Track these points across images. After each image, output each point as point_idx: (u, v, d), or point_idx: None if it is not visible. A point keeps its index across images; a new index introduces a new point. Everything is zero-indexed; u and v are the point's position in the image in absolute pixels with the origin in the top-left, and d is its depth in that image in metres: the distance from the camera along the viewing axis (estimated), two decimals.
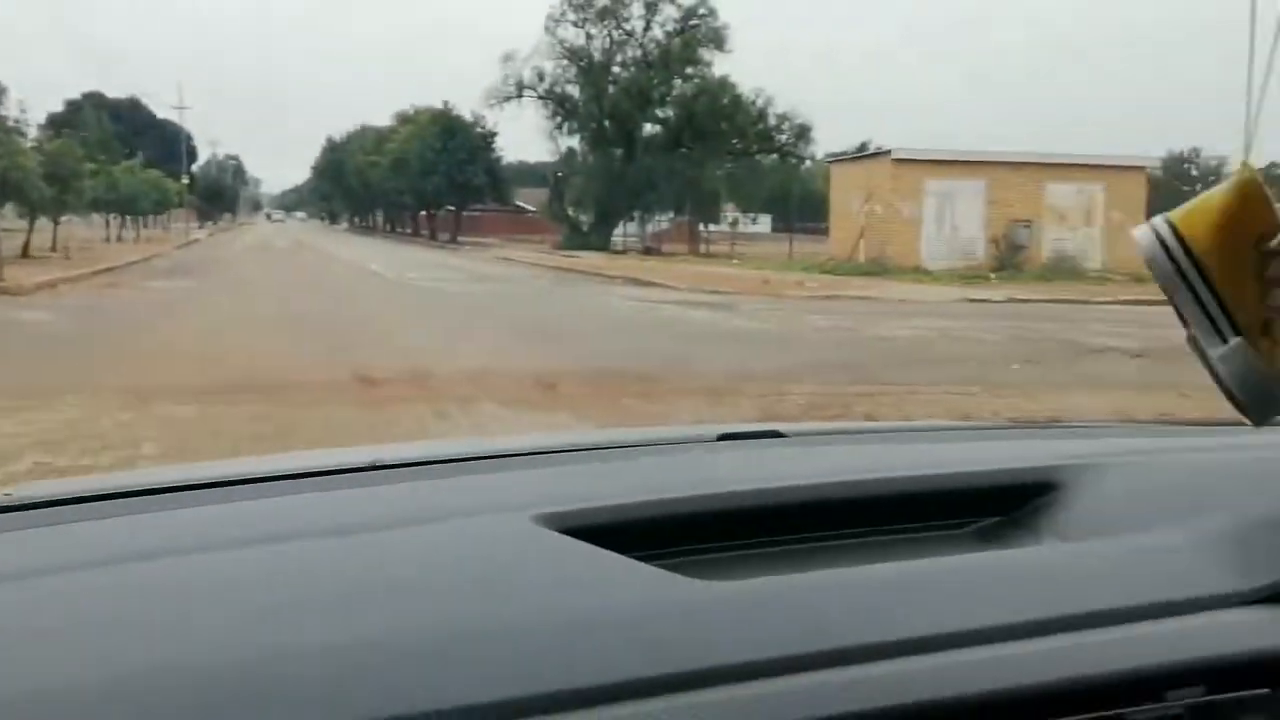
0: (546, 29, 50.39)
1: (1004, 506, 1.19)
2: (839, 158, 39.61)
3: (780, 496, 1.15)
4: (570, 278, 27.79)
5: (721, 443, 1.49)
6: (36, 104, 62.85)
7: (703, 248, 48.87)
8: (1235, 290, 0.96)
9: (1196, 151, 46.23)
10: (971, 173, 31.12)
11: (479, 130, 55.64)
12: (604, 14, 50.16)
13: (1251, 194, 0.96)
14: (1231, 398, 0.99)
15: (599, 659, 0.82)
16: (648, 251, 47.19)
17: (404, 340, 12.69)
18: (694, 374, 9.80)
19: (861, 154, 38.59)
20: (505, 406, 7.75)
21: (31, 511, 1.17)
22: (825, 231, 39.29)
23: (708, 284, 23.98)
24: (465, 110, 56.39)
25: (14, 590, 0.94)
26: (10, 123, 26.07)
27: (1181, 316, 1.00)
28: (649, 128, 50.73)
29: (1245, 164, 0.99)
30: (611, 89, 50.13)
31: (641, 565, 0.96)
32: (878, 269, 29.22)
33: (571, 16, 50.29)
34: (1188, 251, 0.96)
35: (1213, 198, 0.98)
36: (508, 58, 51.40)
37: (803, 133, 49.65)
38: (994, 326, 15.63)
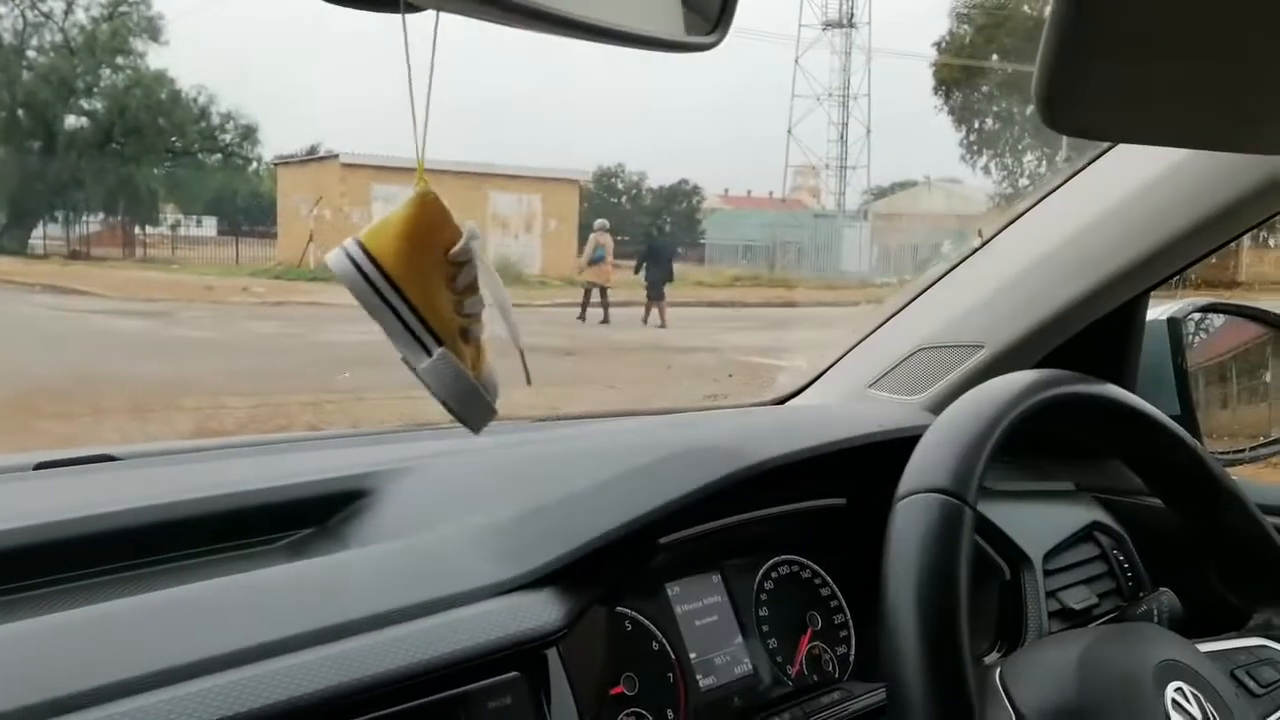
0: None
1: (318, 517, 1.20)
2: (287, 160, 38.52)
3: (78, 529, 1.06)
4: None
5: (38, 471, 1.34)
6: None
7: (140, 251, 45.27)
8: (431, 303, 0.99)
9: (622, 167, 50.61)
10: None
11: None
12: None
13: (432, 208, 1.00)
14: (449, 409, 1.03)
15: None
16: (75, 255, 42.87)
17: None
18: (122, 390, 8.87)
19: (310, 157, 37.81)
20: None
21: None
22: (274, 236, 38.02)
23: (143, 291, 22.24)
24: None
25: None
26: None
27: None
28: (74, 120, 46.12)
29: (422, 179, 1.02)
30: (26, 75, 44.96)
31: None
32: (327, 274, 28.64)
33: None
34: (381, 270, 0.99)
35: (396, 216, 1.01)
36: None
37: (248, 133, 47.71)
38: None
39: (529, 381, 1.12)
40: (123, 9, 45.80)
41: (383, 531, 1.16)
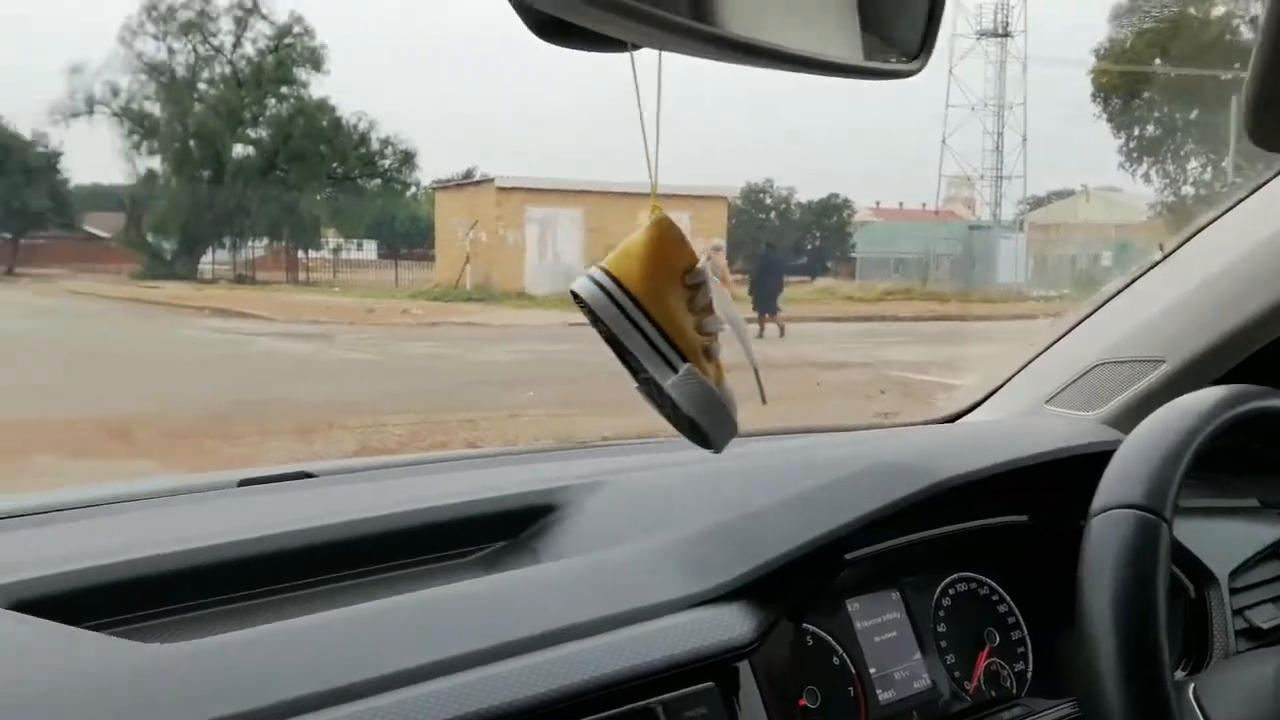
0: (122, 41, 46.70)
1: (510, 531, 1.25)
2: (444, 184, 39.59)
3: (286, 542, 1.13)
4: (149, 311, 25.66)
5: (241, 489, 1.43)
6: None
7: (303, 275, 47.13)
8: (674, 322, 1.04)
9: (770, 182, 50.37)
10: (571, 201, 32.06)
11: (40, 149, 50.56)
12: (188, 27, 47.23)
13: (669, 232, 1.06)
14: (693, 428, 1.06)
15: None
16: (241, 280, 44.88)
17: None
18: (286, 411, 9.23)
19: (466, 181, 38.79)
20: (72, 459, 6.90)
21: None
22: (431, 258, 39.10)
23: (307, 314, 22.99)
24: (24, 127, 51.17)
25: None
26: None
27: (629, 365, 1.06)
28: (241, 149, 48.37)
29: (656, 204, 1.08)
30: (198, 107, 47.42)
31: (94, 635, 0.93)
32: (483, 295, 29.38)
33: (151, 29, 46.96)
34: (627, 293, 1.04)
35: (636, 241, 1.07)
36: (75, 70, 47.12)
37: (407, 158, 49.30)
38: (592, 350, 15.97)
39: (764, 400, 1.16)
40: (287, 40, 47.94)
41: (573, 545, 1.20)
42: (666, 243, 1.05)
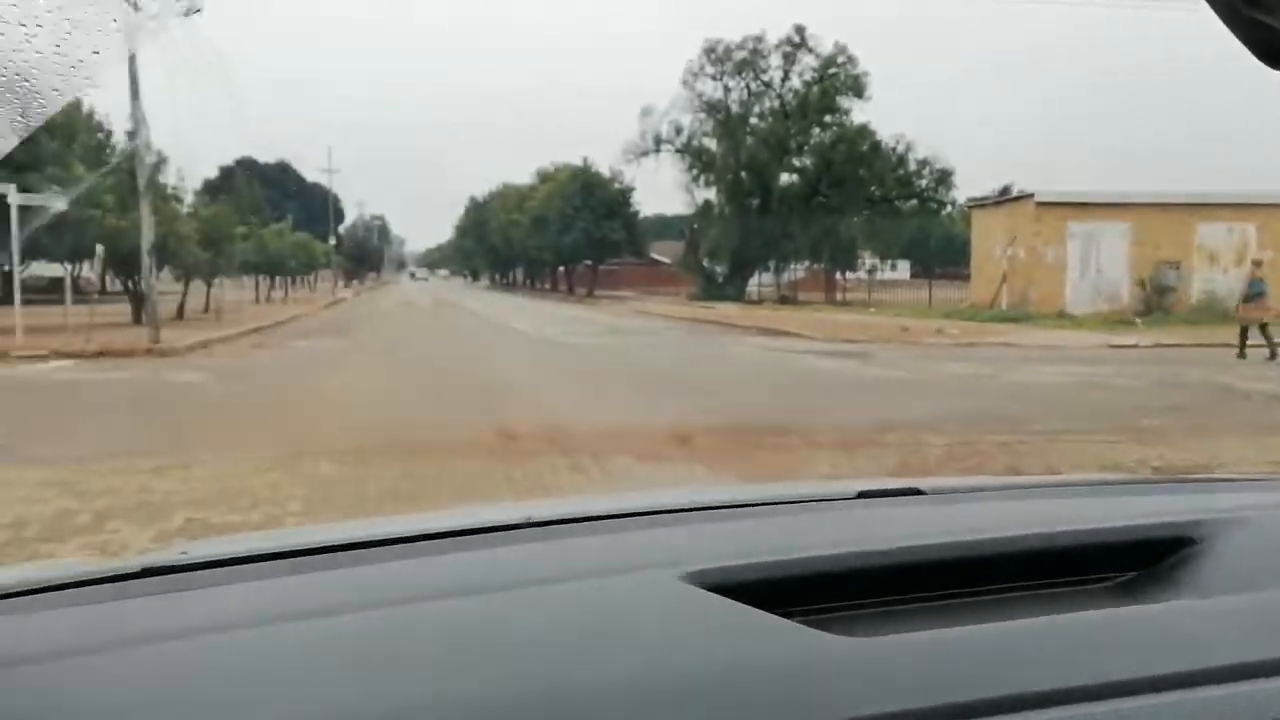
0: (684, 83, 51.21)
1: (1143, 561, 1.20)
2: (980, 202, 39.00)
3: (921, 554, 1.18)
4: (705, 329, 27.98)
5: (860, 500, 1.54)
6: (193, 171, 66.18)
7: (840, 295, 48.56)
8: None
9: None
10: (1116, 214, 30.31)
11: (617, 186, 56.63)
12: (742, 66, 50.74)
13: None
14: None
15: (748, 714, 0.85)
16: (783, 300, 47.14)
17: (543, 395, 13.03)
18: (829, 425, 9.78)
19: (1003, 198, 37.94)
20: (640, 460, 7.87)
21: (204, 571, 1.24)
22: (965, 277, 38.65)
23: (844, 333, 23.87)
24: (604, 166, 57.52)
25: (175, 649, 0.99)
26: (169, 190, 27.60)
27: None
28: (786, 177, 50.98)
29: None
30: (749, 140, 50.60)
31: (787, 622, 1.00)
32: (1020, 315, 28.63)
33: (710, 70, 51.04)
34: None
35: None
36: (646, 112, 52.54)
37: (943, 178, 49.28)
38: (1140, 372, 15.19)
39: None
40: (831, 71, 49.75)
41: (1220, 582, 1.13)
42: None
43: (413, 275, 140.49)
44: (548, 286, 72.66)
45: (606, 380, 15.20)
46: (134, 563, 1.27)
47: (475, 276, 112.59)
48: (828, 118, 50.07)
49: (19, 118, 0.85)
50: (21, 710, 0.89)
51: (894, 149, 49.83)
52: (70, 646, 1.00)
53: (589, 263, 59.98)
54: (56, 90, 0.84)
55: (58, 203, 18.76)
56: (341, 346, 21.23)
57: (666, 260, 64.01)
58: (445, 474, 7.27)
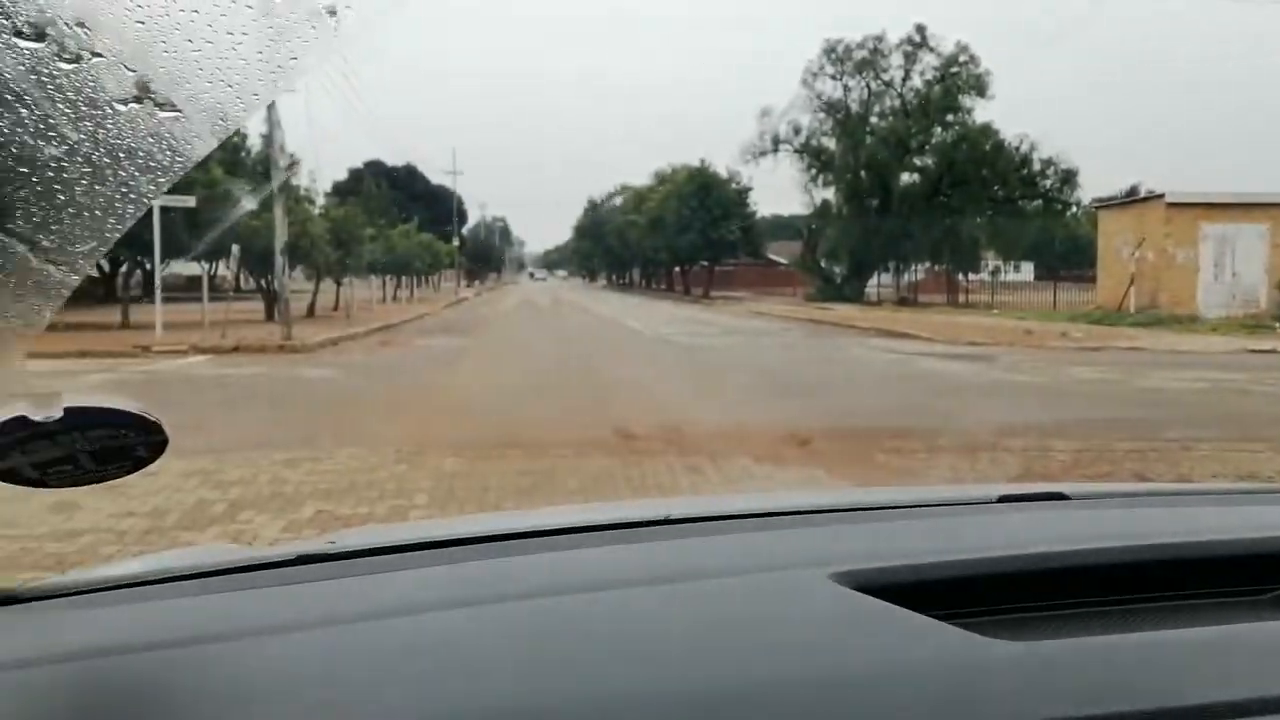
0: (803, 83, 50.91)
1: None
2: (1107, 203, 37.84)
3: (1070, 560, 1.15)
4: (823, 330, 27.73)
5: (1002, 504, 1.53)
6: (322, 174, 68.13)
7: (961, 298, 47.64)
8: None
9: None
10: (1252, 215, 29.13)
11: (734, 186, 56.51)
12: (862, 66, 50.24)
13: None
14: None
15: (903, 717, 0.84)
16: (903, 302, 46.44)
17: (660, 395, 13.10)
18: (950, 429, 9.62)
19: (1131, 198, 36.80)
20: (758, 462, 7.86)
21: (351, 560, 1.28)
22: (1090, 279, 37.56)
23: (966, 335, 23.41)
24: (721, 167, 57.44)
25: (335, 635, 1.02)
26: (301, 192, 28.51)
27: None
28: (906, 177, 50.28)
29: None
30: (868, 139, 50.06)
31: (943, 624, 0.98)
32: (1149, 318, 27.69)
33: (829, 70, 50.66)
34: None
35: None
36: (764, 113, 52.41)
37: (1068, 178, 48.09)
38: (1273, 379, 14.57)
39: None
40: (953, 69, 48.89)
41: None
42: None
43: (532, 275, 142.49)
44: (663, 287, 72.84)
45: (723, 381, 15.20)
46: (289, 550, 1.32)
47: (592, 277, 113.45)
48: (949, 117, 49.25)
49: (220, 121, 0.88)
50: (182, 688, 0.92)
51: (1017, 148, 48.78)
52: (237, 629, 1.04)
53: (705, 263, 59.98)
54: (255, 95, 0.87)
55: (192, 203, 19.45)
56: (464, 344, 21.60)
57: (783, 261, 63.67)
58: (563, 471, 7.36)
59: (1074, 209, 49.49)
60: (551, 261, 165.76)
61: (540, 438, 8.76)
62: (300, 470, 7.22)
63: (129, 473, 1.01)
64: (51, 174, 0.80)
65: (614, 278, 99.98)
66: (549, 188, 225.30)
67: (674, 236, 56.55)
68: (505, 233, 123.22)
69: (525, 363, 17.47)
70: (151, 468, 1.04)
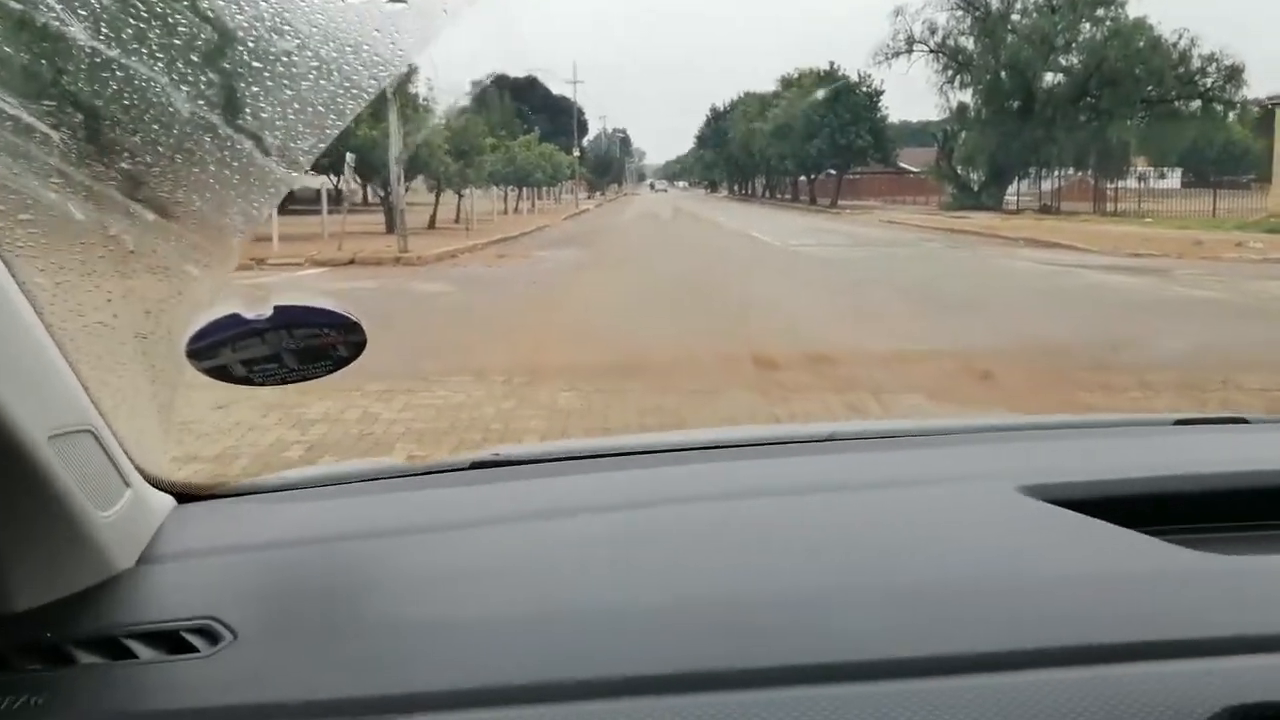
0: None
1: None
2: None
3: (1251, 480, 1.15)
4: (965, 240, 26.00)
5: (1178, 426, 1.52)
6: (447, 83, 67.66)
7: (1109, 206, 44.80)
8: None
9: None
10: None
11: (864, 90, 54.00)
12: None
13: None
14: None
15: (1097, 623, 0.84)
16: (1045, 210, 44.01)
17: (798, 315, 11.87)
18: (1150, 359, 8.20)
19: None
20: (934, 401, 6.60)
21: (517, 467, 1.37)
22: (1244, 186, 34.72)
23: (1125, 246, 21.55)
24: (850, 70, 55.00)
25: (506, 531, 1.11)
26: (420, 101, 27.75)
27: None
28: (1050, 77, 47.24)
29: None
30: (1010, 38, 47.13)
31: (1136, 534, 0.99)
32: None
33: None
34: None
35: None
36: (898, 12, 50.20)
37: (1232, 74, 44.31)
38: None
39: None
40: None
41: None
42: None
43: (652, 186, 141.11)
44: (788, 197, 70.82)
45: (868, 298, 13.81)
46: (464, 458, 1.41)
47: (714, 188, 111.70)
48: (1099, 11, 45.88)
49: (442, 12, 0.92)
50: (373, 576, 1.00)
51: (1174, 44, 45.17)
52: (419, 524, 1.13)
53: (832, 171, 57.78)
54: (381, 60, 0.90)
55: None
56: (583, 258, 20.63)
57: (914, 169, 60.94)
58: (694, 410, 6.27)
59: (1237, 108, 45.80)
60: (672, 173, 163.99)
61: (666, 366, 7.79)
62: (395, 405, 6.38)
63: (329, 372, 1.06)
64: (282, 68, 0.84)
65: (736, 188, 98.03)
66: (671, 99, 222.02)
67: (800, 144, 54.40)
68: (626, 144, 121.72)
69: (646, 278, 16.35)
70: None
